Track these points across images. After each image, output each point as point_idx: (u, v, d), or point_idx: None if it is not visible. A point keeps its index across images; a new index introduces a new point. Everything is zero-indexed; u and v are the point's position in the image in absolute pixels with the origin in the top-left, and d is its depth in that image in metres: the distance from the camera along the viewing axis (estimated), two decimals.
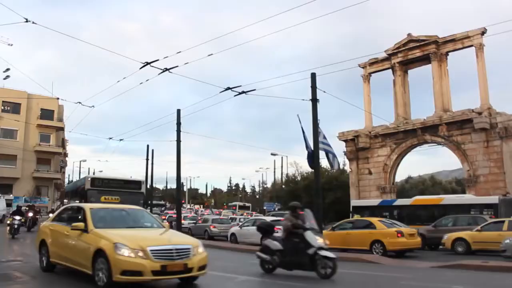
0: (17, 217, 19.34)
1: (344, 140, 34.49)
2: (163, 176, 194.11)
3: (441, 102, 29.63)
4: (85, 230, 7.62)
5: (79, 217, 8.22)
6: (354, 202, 28.90)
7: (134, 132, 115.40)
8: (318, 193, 16.61)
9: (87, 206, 8.57)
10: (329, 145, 17.57)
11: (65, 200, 28.04)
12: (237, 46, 21.86)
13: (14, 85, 64.20)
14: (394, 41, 32.52)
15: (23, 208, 28.66)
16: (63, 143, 56.76)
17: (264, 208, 44.92)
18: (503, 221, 15.95)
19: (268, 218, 21.54)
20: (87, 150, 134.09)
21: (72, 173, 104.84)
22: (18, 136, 47.59)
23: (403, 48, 31.64)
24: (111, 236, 7.12)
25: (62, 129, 50.43)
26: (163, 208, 55.22)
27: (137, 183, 18.90)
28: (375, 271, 11.17)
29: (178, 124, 22.54)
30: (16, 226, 18.86)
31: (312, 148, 16.70)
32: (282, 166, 53.25)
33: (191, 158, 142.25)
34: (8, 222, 27.37)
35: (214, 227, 24.95)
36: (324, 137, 17.28)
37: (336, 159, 18.17)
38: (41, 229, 9.54)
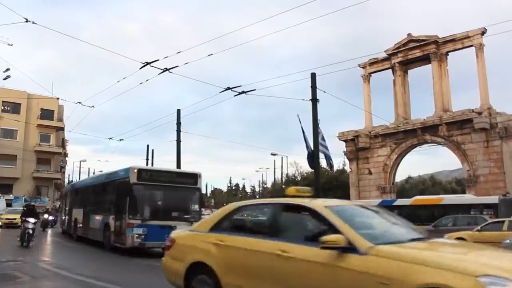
0: (31, 220, 14.94)
1: (344, 140, 34.49)
2: None
3: (441, 102, 29.63)
4: (350, 248, 4.05)
5: (295, 223, 5.11)
6: (354, 202, 28.90)
7: (134, 132, 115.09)
8: (318, 193, 16.64)
9: (319, 204, 4.82)
10: (326, 147, 17.71)
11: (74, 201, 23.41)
12: (237, 46, 21.94)
13: (14, 85, 64.20)
14: (394, 41, 32.59)
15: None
16: (63, 143, 56.77)
17: None
18: (503, 221, 15.96)
19: None
20: (87, 150, 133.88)
21: (72, 173, 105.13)
22: (18, 136, 47.61)
23: (403, 48, 31.64)
24: (458, 263, 3.58)
25: (62, 129, 50.44)
26: None
27: (193, 177, 14.96)
28: None
29: (178, 124, 22.58)
30: (30, 232, 14.63)
31: (312, 148, 16.75)
32: (282, 166, 53.35)
33: (191, 158, 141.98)
34: (1, 223, 26.56)
35: None
36: (323, 138, 17.34)
37: (331, 161, 18.65)
38: (190, 245, 5.52)
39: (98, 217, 15.87)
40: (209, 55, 15.91)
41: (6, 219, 26.36)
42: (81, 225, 18.01)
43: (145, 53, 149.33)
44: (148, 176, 13.85)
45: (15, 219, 25.55)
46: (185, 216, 13.89)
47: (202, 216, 13.96)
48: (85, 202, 18.45)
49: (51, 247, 16.92)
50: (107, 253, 13.83)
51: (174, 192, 14.02)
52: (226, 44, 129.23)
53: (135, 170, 13.65)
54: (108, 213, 14.76)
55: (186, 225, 13.02)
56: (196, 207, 14.67)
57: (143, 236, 12.87)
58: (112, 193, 15.19)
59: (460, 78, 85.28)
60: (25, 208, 20.98)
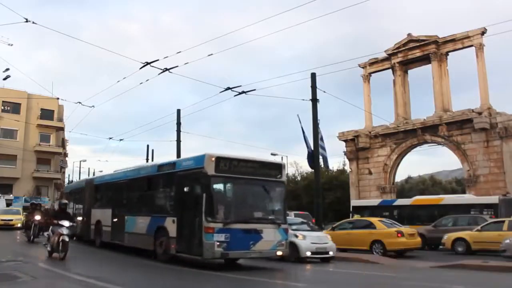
0: (66, 223, 11.59)
1: (344, 140, 34.49)
2: None
3: (441, 102, 29.63)
4: None
5: None
6: (354, 202, 28.91)
7: (134, 132, 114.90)
8: (318, 193, 16.70)
9: None
10: (324, 148, 17.80)
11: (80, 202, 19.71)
12: (237, 46, 21.87)
13: (14, 85, 64.16)
14: (394, 41, 32.59)
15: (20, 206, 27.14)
16: (63, 143, 56.76)
17: None
18: (503, 221, 15.97)
19: None
20: (87, 150, 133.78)
21: (72, 173, 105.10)
22: (18, 136, 47.60)
23: (403, 48, 31.64)
24: None
25: (62, 129, 50.45)
26: None
27: (277, 167, 12.16)
28: (375, 271, 11.16)
29: (178, 124, 22.63)
30: (66, 239, 11.19)
31: (312, 148, 16.78)
32: None
33: None
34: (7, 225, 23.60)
35: None
36: (321, 139, 17.37)
37: (327, 163, 19.33)
38: None
39: (142, 219, 13.12)
40: (209, 55, 15.89)
41: (2, 220, 24.36)
42: (108, 228, 15.28)
43: (145, 53, 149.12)
44: (227, 166, 10.95)
45: (11, 220, 24.60)
46: (270, 217, 11.42)
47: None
48: (116, 200, 15.46)
49: (82, 258, 12.76)
50: (164, 265, 10.78)
51: (256, 187, 11.51)
52: (226, 44, 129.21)
53: (213, 159, 10.63)
54: (163, 213, 12.15)
55: (272, 228, 11.10)
56: (280, 205, 11.92)
57: (225, 244, 10.07)
58: (171, 188, 12.43)
59: (460, 78, 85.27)
60: (30, 208, 18.58)
